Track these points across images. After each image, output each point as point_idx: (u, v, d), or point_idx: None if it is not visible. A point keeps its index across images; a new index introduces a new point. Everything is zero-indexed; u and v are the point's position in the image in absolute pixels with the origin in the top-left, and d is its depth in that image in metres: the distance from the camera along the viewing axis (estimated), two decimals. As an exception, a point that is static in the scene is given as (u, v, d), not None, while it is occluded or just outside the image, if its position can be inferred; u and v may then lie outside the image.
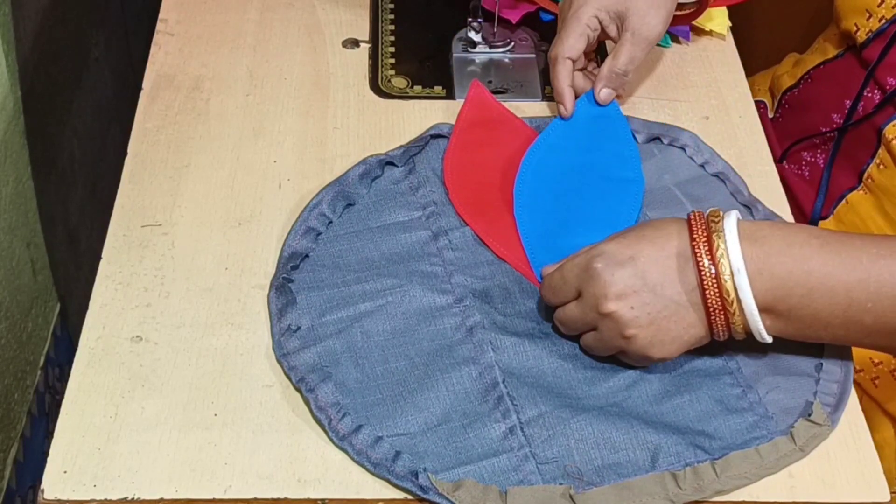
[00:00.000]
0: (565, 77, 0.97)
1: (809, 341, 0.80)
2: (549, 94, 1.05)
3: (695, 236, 0.77)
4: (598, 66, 1.00)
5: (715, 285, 0.76)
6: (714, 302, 0.76)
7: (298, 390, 0.79)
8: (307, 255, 0.88)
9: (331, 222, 0.90)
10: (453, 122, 0.99)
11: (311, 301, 0.84)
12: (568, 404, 0.80)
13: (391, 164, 0.95)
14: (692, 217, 0.79)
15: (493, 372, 0.81)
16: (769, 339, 0.78)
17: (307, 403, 0.78)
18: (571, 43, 0.97)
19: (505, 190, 0.94)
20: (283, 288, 0.84)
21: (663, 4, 0.96)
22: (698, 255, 0.76)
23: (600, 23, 0.97)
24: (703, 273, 0.76)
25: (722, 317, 0.77)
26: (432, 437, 0.77)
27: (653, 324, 0.77)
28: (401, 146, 0.96)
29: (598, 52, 1.05)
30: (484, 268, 0.88)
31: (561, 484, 0.75)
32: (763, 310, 0.77)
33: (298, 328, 0.82)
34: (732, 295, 0.76)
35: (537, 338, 0.83)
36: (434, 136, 0.98)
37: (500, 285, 0.87)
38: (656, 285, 0.77)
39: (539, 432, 0.78)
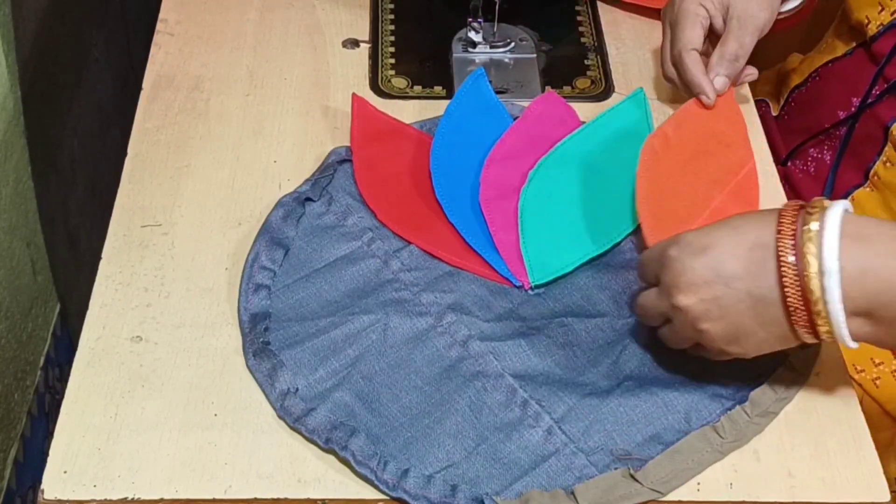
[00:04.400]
0: (697, 67, 0.97)
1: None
2: (549, 94, 1.05)
3: (782, 228, 0.71)
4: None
5: (797, 283, 0.70)
6: (795, 301, 0.71)
7: (331, 452, 0.76)
8: (269, 314, 0.84)
9: (275, 273, 0.87)
10: (358, 141, 0.97)
11: (296, 359, 0.81)
12: (590, 392, 0.80)
13: (309, 199, 0.92)
14: (785, 206, 0.73)
15: (506, 379, 0.81)
16: (854, 346, 0.72)
17: (346, 463, 0.76)
18: (689, 34, 0.97)
19: (426, 198, 0.93)
20: (263, 352, 0.81)
21: None
22: (781, 249, 0.71)
23: (708, 12, 0.98)
24: (783, 269, 0.71)
25: (804, 317, 0.71)
26: (477, 459, 0.77)
27: (724, 318, 0.73)
28: (307, 179, 0.93)
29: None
30: (445, 280, 0.88)
31: (616, 469, 0.76)
32: (861, 314, 0.71)
33: (297, 389, 0.80)
34: (818, 295, 0.70)
35: (528, 335, 0.84)
36: (339, 161, 0.95)
37: (469, 293, 0.87)
38: (731, 278, 0.72)
39: (576, 426, 0.78)
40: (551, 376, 0.82)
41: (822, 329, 0.71)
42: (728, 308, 0.73)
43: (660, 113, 1.04)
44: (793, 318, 0.72)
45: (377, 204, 0.92)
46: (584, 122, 1.00)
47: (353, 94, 1.00)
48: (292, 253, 0.89)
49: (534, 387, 0.81)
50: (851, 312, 0.71)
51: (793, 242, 0.71)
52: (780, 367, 0.82)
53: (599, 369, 0.82)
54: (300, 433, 0.77)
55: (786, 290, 0.71)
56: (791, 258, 0.70)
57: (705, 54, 1.00)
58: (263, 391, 0.79)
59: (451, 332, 0.84)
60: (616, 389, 0.81)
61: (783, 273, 0.71)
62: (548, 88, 1.05)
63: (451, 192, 0.93)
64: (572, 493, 0.75)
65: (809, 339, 0.73)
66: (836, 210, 0.71)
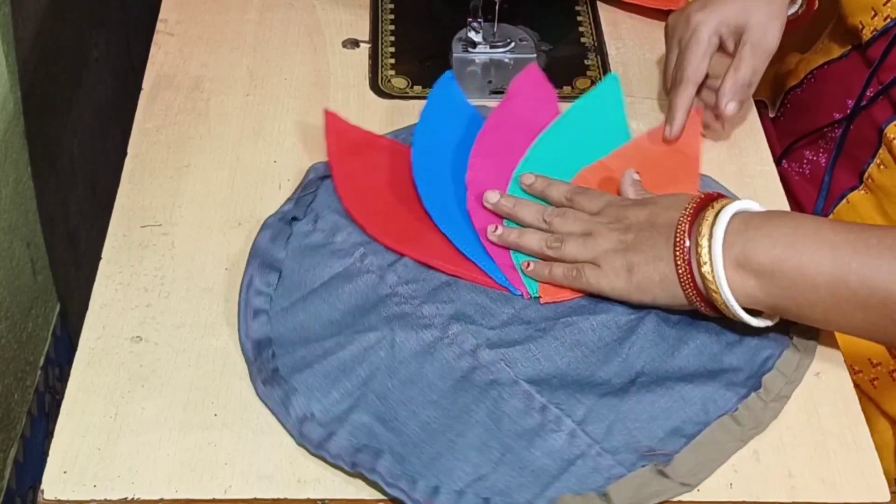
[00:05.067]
0: (686, 101, 0.97)
1: (798, 320, 0.81)
2: (549, 94, 1.05)
3: (683, 215, 0.81)
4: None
5: (686, 261, 0.79)
6: (684, 275, 0.79)
7: (359, 476, 0.75)
8: (271, 339, 0.82)
9: (271, 297, 0.85)
10: (336, 156, 0.95)
11: (307, 383, 0.79)
12: (607, 391, 0.80)
13: (295, 218, 0.90)
14: (698, 196, 0.82)
15: (521, 386, 0.80)
16: (743, 316, 0.79)
17: (375, 486, 0.75)
18: (695, 65, 0.96)
19: (413, 208, 0.91)
20: (274, 379, 0.79)
21: (779, 15, 0.97)
22: (680, 226, 0.80)
23: (720, 38, 0.97)
24: (679, 248, 0.79)
25: (692, 291, 0.80)
26: (505, 469, 0.76)
27: (636, 249, 0.82)
28: (289, 198, 0.91)
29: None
30: (444, 290, 0.86)
31: (644, 466, 0.76)
32: (742, 265, 0.78)
33: (312, 415, 0.78)
34: (709, 273, 0.78)
35: (536, 339, 0.83)
36: (320, 178, 0.93)
37: (470, 302, 0.86)
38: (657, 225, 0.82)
39: (598, 427, 0.78)
40: (565, 379, 0.81)
41: (711, 284, 0.79)
42: (641, 245, 0.82)
43: (660, 114, 1.04)
44: (680, 272, 0.80)
45: (364, 218, 0.90)
46: (560, 110, 0.99)
47: (325, 110, 0.98)
48: (285, 275, 0.87)
49: (550, 391, 0.80)
50: (738, 263, 0.78)
51: (690, 225, 0.80)
52: (784, 350, 0.83)
53: (611, 367, 0.82)
54: (323, 459, 0.75)
55: (678, 261, 0.80)
56: (686, 230, 0.80)
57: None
58: (278, 419, 0.78)
59: (459, 342, 0.83)
60: (632, 387, 0.81)
61: (676, 241, 0.80)
62: (531, 65, 1.03)
63: (438, 200, 0.91)
64: (605, 494, 0.74)
65: (700, 304, 0.81)
66: (733, 206, 0.80)
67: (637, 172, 0.90)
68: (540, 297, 0.86)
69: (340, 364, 0.80)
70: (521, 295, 0.87)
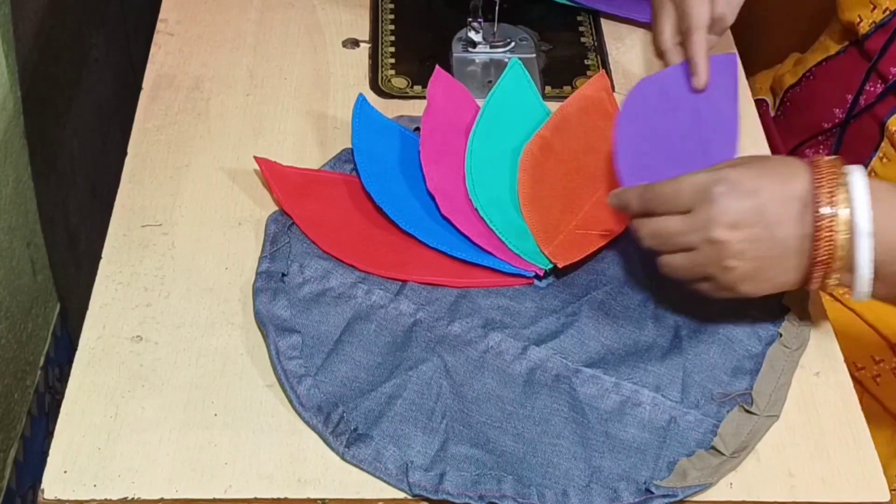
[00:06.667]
0: (702, 48, 0.97)
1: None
2: (549, 95, 1.05)
3: (818, 182, 0.75)
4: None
5: (829, 238, 0.74)
6: (824, 253, 0.75)
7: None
8: (330, 402, 0.79)
9: (303, 360, 0.81)
10: (288, 203, 0.92)
11: (389, 433, 0.77)
12: (662, 353, 0.83)
13: (283, 274, 0.87)
14: (818, 162, 0.76)
15: (584, 372, 0.81)
16: (866, 299, 0.77)
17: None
18: (699, 11, 0.97)
19: (391, 233, 0.90)
20: (359, 439, 0.77)
21: None
22: (819, 202, 0.74)
23: None
24: (819, 223, 0.74)
25: (822, 271, 0.76)
26: (613, 455, 0.77)
27: (756, 260, 0.76)
28: (263, 255, 0.87)
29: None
30: (462, 304, 0.86)
31: (728, 411, 0.79)
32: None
33: (412, 462, 0.76)
34: (845, 252, 0.74)
35: (572, 324, 0.84)
36: (285, 228, 0.90)
37: (491, 307, 0.86)
38: (772, 224, 0.75)
39: (673, 388, 0.80)
40: (617, 353, 0.83)
41: (833, 282, 0.76)
42: (762, 252, 0.76)
43: (660, 113, 1.04)
44: (815, 269, 0.76)
45: (353, 257, 0.88)
46: (478, 105, 1.00)
47: (256, 157, 0.94)
48: (303, 333, 0.83)
49: (612, 368, 0.81)
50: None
51: (829, 198, 0.74)
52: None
53: (649, 329, 0.85)
54: (448, 503, 0.74)
55: (818, 242, 0.75)
56: (828, 210, 0.74)
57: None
58: (378, 478, 0.75)
59: (504, 349, 0.83)
60: (680, 342, 0.83)
61: (818, 227, 0.75)
62: (436, 68, 1.02)
63: (412, 219, 0.90)
64: (713, 448, 0.77)
65: (813, 288, 0.78)
66: (859, 172, 0.75)
67: None
68: (555, 265, 0.87)
69: (410, 405, 0.79)
70: (536, 275, 0.87)
